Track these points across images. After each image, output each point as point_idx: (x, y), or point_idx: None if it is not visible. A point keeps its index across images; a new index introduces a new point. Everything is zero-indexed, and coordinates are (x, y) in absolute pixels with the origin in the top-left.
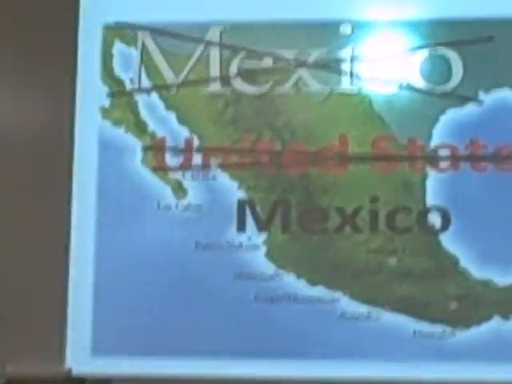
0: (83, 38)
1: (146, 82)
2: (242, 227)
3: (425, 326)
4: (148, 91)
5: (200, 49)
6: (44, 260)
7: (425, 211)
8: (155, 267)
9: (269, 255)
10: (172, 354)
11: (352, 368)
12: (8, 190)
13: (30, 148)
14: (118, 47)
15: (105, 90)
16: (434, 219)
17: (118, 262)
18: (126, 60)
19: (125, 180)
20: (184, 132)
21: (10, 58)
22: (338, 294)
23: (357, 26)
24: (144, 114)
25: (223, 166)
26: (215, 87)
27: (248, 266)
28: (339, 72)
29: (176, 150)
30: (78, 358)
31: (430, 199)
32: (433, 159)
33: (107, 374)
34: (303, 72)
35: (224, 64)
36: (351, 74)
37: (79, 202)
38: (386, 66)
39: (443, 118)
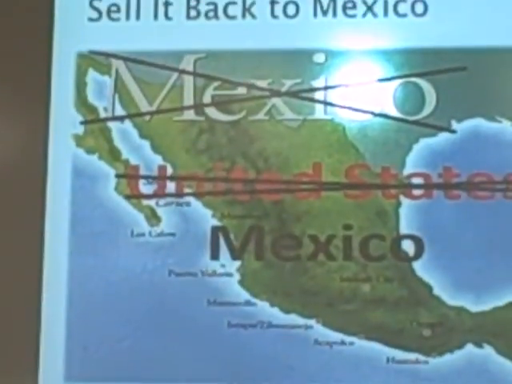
0: (57, 66)
1: (119, 110)
2: (215, 255)
3: (398, 354)
4: (121, 119)
5: (174, 77)
6: (16, 287)
7: (398, 239)
8: (128, 295)
9: (242, 283)
10: (145, 381)
11: None
12: None
13: (2, 175)
14: (92, 75)
15: (78, 117)
16: (408, 247)
17: (90, 289)
18: (99, 88)
19: (98, 207)
20: (157, 160)
21: None
22: (311, 322)
23: (330, 56)
24: (117, 141)
25: (197, 194)
26: (189, 116)
27: (221, 293)
28: (313, 101)
29: (149, 178)
30: None
31: (404, 227)
32: (406, 187)
33: None
34: (277, 101)
35: (198, 93)
36: (325, 103)
37: (52, 229)
38: (359, 94)
39: (416, 147)
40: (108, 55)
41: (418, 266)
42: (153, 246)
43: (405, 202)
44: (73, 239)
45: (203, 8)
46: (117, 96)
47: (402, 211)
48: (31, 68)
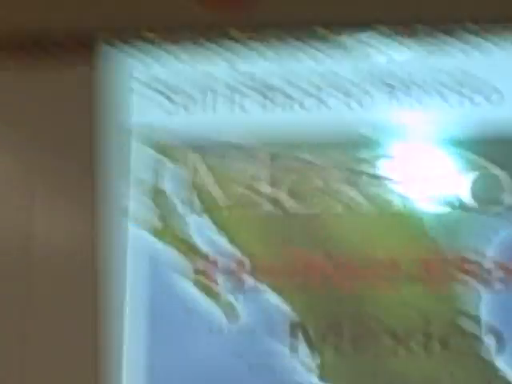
0: (134, 158)
1: (197, 204)
2: (294, 349)
3: None
4: (199, 213)
5: (251, 170)
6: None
7: (479, 333)
8: None
9: (322, 377)
10: None
11: None
12: (52, 306)
13: (81, 270)
14: (170, 168)
15: (156, 211)
16: (489, 341)
17: (170, 382)
18: (177, 181)
19: (177, 301)
20: (235, 253)
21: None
22: None
23: (407, 146)
24: (195, 235)
25: (275, 288)
26: (266, 208)
27: None
28: (389, 192)
29: (228, 272)
30: None
31: (485, 321)
32: (486, 280)
33: None
34: (353, 192)
35: (275, 185)
36: (401, 194)
37: (132, 322)
38: (436, 185)
39: (495, 238)
40: (186, 147)
41: (499, 361)
42: (231, 341)
43: (485, 294)
44: (152, 332)
45: (279, 100)
46: (194, 189)
47: (482, 304)
48: (109, 160)
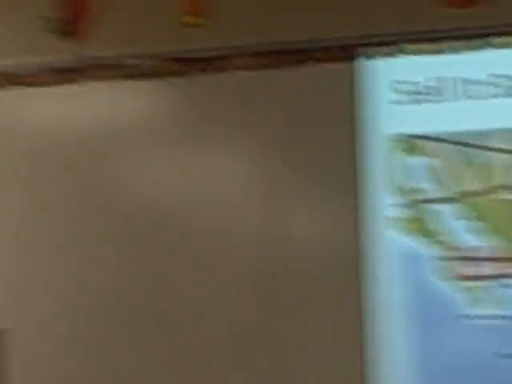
0: (364, 150)
1: (435, 192)
2: None
3: None
4: (438, 201)
5: (484, 156)
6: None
7: None
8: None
9: None
10: None
11: None
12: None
13: (318, 259)
14: (404, 158)
15: (391, 200)
16: None
17: (429, 375)
18: (413, 170)
19: (422, 290)
20: (479, 241)
21: (298, 175)
22: None
23: None
24: (435, 223)
25: None
26: (504, 195)
27: None
28: None
29: (472, 259)
30: None
31: None
32: None
33: None
34: None
35: (510, 170)
36: None
37: (389, 316)
38: None
39: None
40: (419, 137)
41: None
42: (478, 327)
43: None
44: (408, 323)
45: (506, 84)
46: (431, 177)
47: None
48: (338, 154)
